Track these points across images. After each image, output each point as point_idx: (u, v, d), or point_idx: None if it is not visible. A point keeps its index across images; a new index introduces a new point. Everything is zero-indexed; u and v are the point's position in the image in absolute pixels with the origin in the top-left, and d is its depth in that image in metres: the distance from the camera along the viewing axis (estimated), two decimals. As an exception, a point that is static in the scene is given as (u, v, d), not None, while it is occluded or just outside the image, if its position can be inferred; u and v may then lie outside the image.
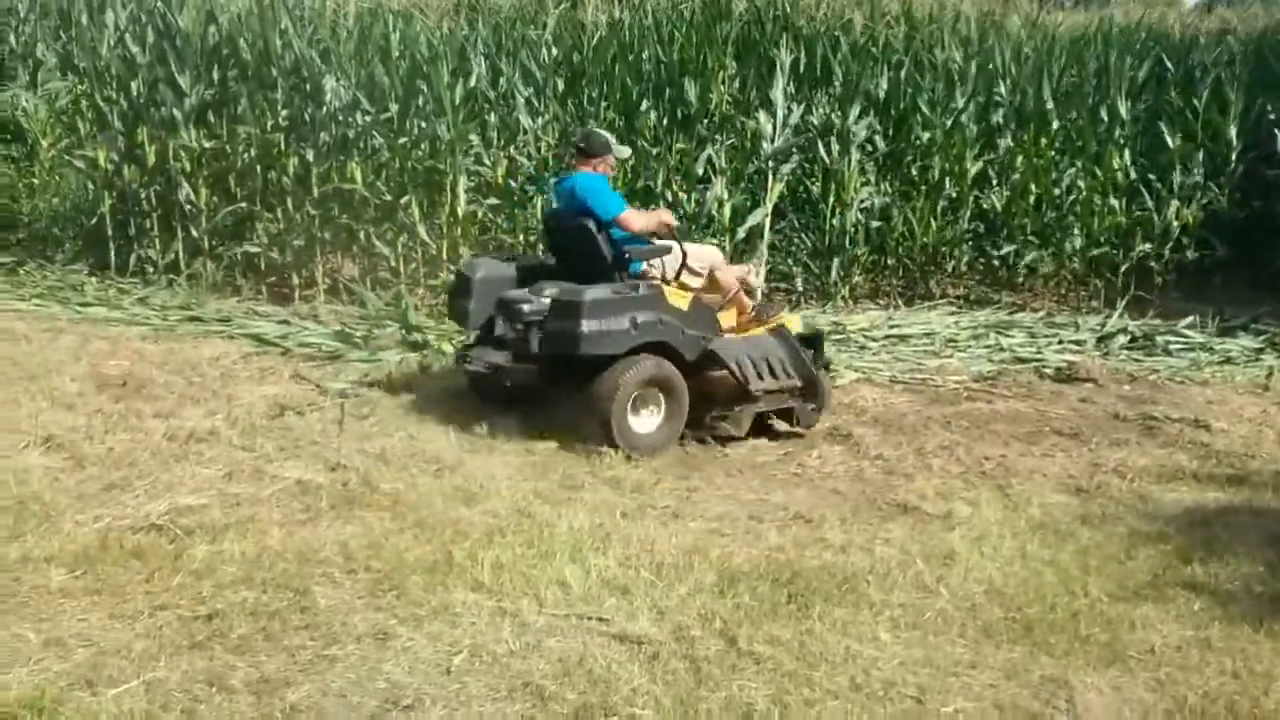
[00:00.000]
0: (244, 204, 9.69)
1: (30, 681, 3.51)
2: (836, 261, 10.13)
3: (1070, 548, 5.04)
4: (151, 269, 9.70)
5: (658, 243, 6.54)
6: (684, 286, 6.51)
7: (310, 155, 9.36)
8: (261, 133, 9.49)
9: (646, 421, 6.18)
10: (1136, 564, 4.87)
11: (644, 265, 6.51)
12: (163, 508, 4.86)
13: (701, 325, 6.32)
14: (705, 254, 6.86)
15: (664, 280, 6.48)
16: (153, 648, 3.78)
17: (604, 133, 7.19)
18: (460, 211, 9.29)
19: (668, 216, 6.71)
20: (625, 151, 7.23)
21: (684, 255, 6.54)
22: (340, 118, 9.39)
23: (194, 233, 9.59)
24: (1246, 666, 3.99)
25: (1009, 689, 3.81)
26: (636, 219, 6.49)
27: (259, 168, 9.60)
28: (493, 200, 9.68)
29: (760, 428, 6.55)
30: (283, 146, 9.48)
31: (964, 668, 3.94)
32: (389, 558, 4.53)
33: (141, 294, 9.15)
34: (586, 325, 5.90)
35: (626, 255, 6.36)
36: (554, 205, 7.06)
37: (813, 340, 6.76)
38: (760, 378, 6.23)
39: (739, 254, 9.79)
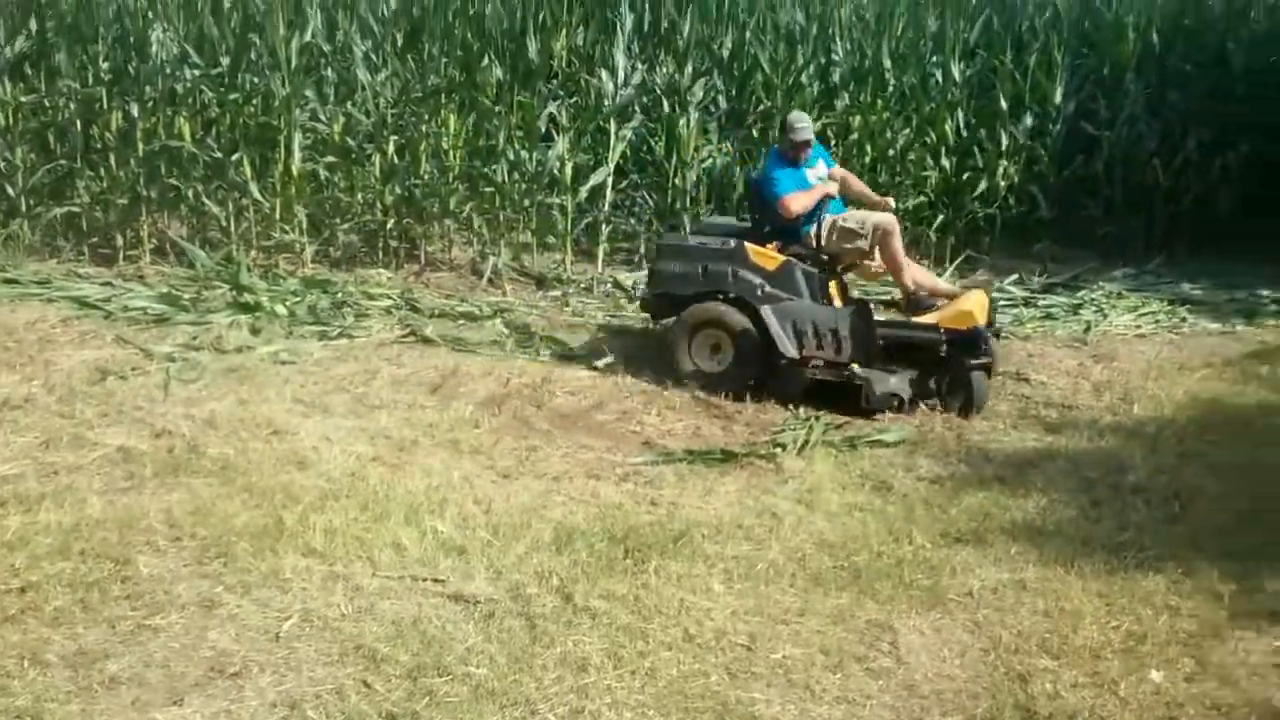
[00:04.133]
0: (64, 161, 9.24)
1: None
2: (679, 221, 10.18)
3: (897, 497, 5.20)
4: (-37, 230, 9.19)
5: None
6: (843, 251, 6.97)
7: (135, 110, 8.98)
8: (82, 87, 9.06)
9: (711, 361, 6.73)
10: (959, 511, 5.05)
11: (810, 229, 6.89)
12: (-27, 478, 4.66)
13: (786, 286, 6.60)
14: (867, 218, 6.99)
15: (817, 243, 6.89)
16: (-39, 623, 3.63)
17: (796, 114, 7.42)
18: (295, 169, 9.03)
19: (830, 189, 6.99)
20: (800, 129, 7.05)
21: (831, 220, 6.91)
22: (167, 71, 9.02)
23: (10, 192, 9.10)
24: (1058, 605, 4.19)
25: (836, 634, 3.93)
26: (795, 202, 6.83)
27: (80, 124, 9.16)
28: (330, 158, 9.44)
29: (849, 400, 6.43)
30: (105, 101, 9.07)
31: (793, 615, 4.04)
32: (216, 524, 4.42)
33: (-47, 256, 8.68)
34: (660, 266, 6.92)
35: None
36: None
37: (958, 334, 6.41)
38: (802, 347, 6.50)
39: (580, 212, 9.78)
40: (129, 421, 5.50)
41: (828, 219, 6.94)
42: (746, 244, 6.73)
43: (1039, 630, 4.01)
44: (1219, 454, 5.75)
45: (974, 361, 6.43)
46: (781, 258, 6.70)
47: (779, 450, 5.73)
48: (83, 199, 9.25)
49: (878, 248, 6.97)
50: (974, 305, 6.56)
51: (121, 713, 3.24)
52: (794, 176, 6.97)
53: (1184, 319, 8.91)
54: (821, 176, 7.14)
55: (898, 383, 6.44)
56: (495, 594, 4.05)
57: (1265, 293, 9.67)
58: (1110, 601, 4.21)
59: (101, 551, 4.13)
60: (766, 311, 6.53)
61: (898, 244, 6.96)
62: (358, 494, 4.83)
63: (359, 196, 9.61)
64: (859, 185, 7.49)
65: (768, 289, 6.60)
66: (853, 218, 7.01)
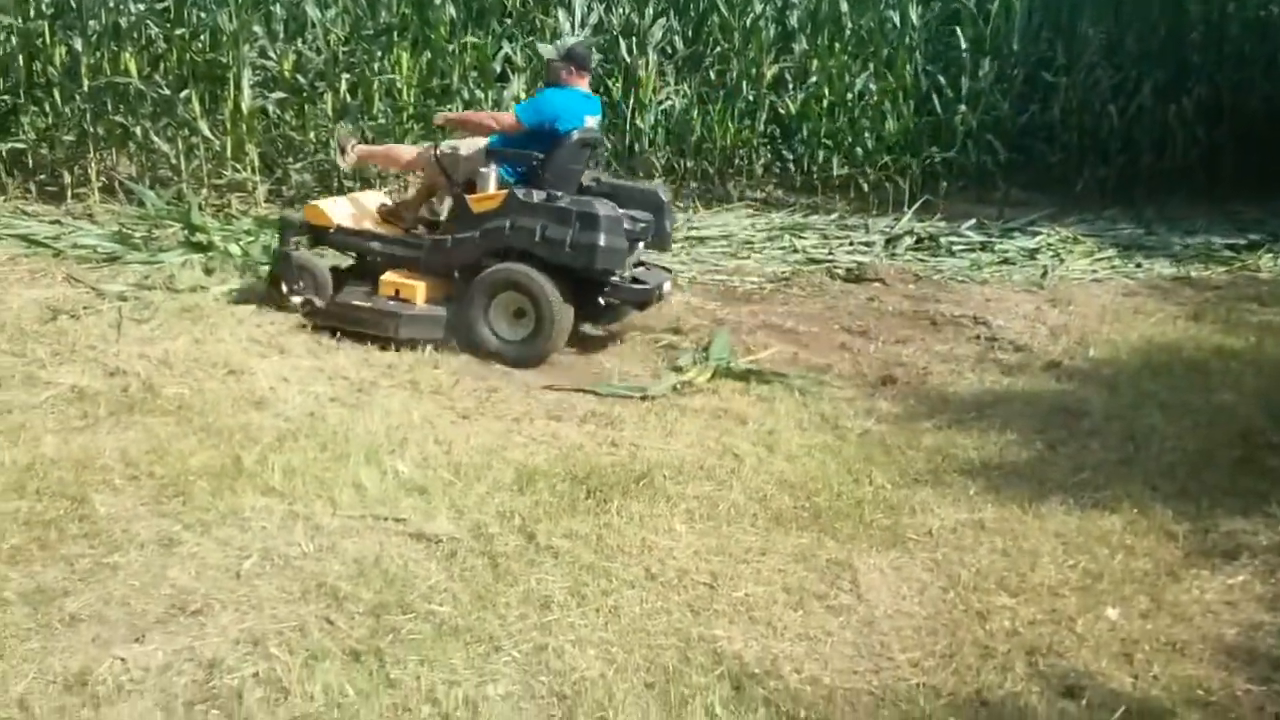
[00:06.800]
0: (7, 97, 9.01)
1: None
2: (636, 163, 10.12)
3: (856, 439, 5.23)
4: (-96, 166, 8.95)
5: None
6: None
7: (79, 45, 8.74)
8: (24, 20, 8.81)
9: None
10: (918, 452, 5.08)
11: None
12: (-78, 417, 4.56)
13: None
14: None
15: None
16: (-85, 562, 3.56)
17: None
18: (245, 106, 8.85)
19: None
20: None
21: None
22: (110, 5, 8.78)
23: (-49, 127, 8.88)
24: (1016, 545, 4.23)
25: (797, 572, 3.95)
26: None
27: (22, 58, 8.92)
28: (281, 95, 9.26)
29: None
30: (48, 36, 8.83)
31: (755, 554, 4.06)
32: (173, 464, 4.36)
33: (-106, 193, 8.45)
34: None
35: None
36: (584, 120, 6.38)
37: None
38: None
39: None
40: (82, 361, 5.40)
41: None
42: None
43: (997, 569, 4.05)
44: (1173, 396, 5.82)
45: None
46: None
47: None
48: (28, 135, 9.04)
49: None
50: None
51: (82, 649, 3.19)
52: None
53: (1139, 264, 9.01)
54: None
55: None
56: (457, 533, 4.03)
57: (1218, 238, 9.79)
58: (1067, 541, 4.27)
59: (57, 490, 4.07)
60: None
61: None
62: (316, 434, 4.78)
63: (311, 135, 9.46)
64: None
65: None
66: None
